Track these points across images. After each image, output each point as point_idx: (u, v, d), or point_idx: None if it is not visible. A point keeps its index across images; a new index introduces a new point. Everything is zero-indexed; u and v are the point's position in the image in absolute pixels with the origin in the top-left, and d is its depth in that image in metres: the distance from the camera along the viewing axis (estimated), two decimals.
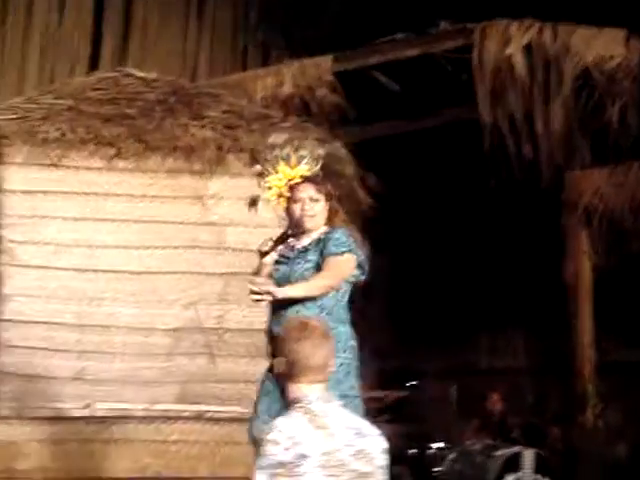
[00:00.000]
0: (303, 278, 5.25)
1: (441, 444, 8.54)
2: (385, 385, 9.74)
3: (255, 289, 5.09)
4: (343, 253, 5.20)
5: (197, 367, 8.16)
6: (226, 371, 8.24)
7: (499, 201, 9.59)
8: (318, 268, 5.28)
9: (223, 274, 8.19)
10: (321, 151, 5.51)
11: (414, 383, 9.69)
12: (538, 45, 8.26)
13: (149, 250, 8.16)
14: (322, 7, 10.84)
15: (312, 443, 3.50)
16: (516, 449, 7.82)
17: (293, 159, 5.39)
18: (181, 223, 8.20)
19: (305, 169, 5.38)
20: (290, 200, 5.28)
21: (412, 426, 8.81)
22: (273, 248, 5.36)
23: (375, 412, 8.41)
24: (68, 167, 8.11)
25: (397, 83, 9.27)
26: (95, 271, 8.04)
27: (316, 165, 5.44)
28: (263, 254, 5.34)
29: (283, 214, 5.47)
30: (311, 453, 3.46)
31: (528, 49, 8.28)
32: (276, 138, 5.64)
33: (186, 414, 7.96)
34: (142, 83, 8.74)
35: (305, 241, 5.33)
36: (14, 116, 8.04)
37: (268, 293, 5.09)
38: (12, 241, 8.05)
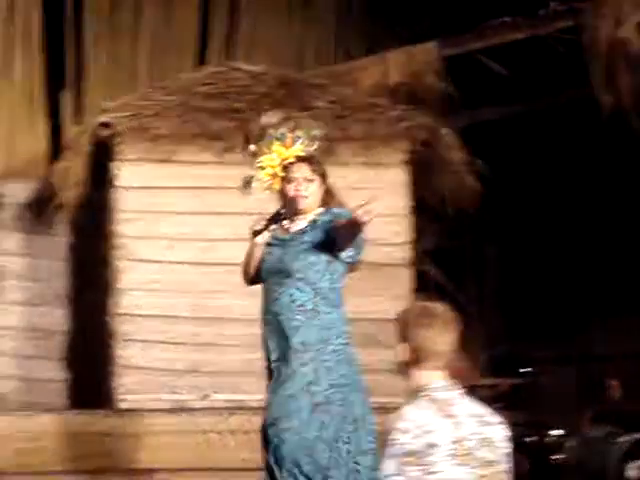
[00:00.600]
0: (297, 259, 5.18)
1: (559, 431, 8.42)
2: (499, 372, 9.67)
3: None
4: None
5: None
6: None
7: (614, 181, 9.46)
8: (313, 250, 5.19)
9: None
10: (317, 131, 5.55)
11: (529, 370, 9.59)
12: None
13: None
14: None
15: (441, 432, 3.45)
16: (638, 436, 7.65)
17: (288, 139, 5.32)
18: None
19: (300, 149, 5.30)
20: (284, 180, 5.21)
21: (528, 414, 8.70)
22: (266, 227, 5.28)
23: (490, 400, 8.38)
24: (180, 162, 8.21)
25: (505, 67, 9.16)
26: (209, 264, 8.15)
27: (312, 145, 5.35)
28: (255, 233, 5.28)
29: (277, 195, 5.36)
30: (441, 442, 3.42)
31: None
32: (270, 117, 5.54)
33: None
34: (250, 76, 8.81)
35: (301, 224, 5.24)
36: (127, 114, 8.17)
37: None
38: (127, 236, 8.23)
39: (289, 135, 5.32)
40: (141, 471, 7.34)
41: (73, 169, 8.47)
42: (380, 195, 7.84)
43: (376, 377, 8.08)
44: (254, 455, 7.29)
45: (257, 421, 7.40)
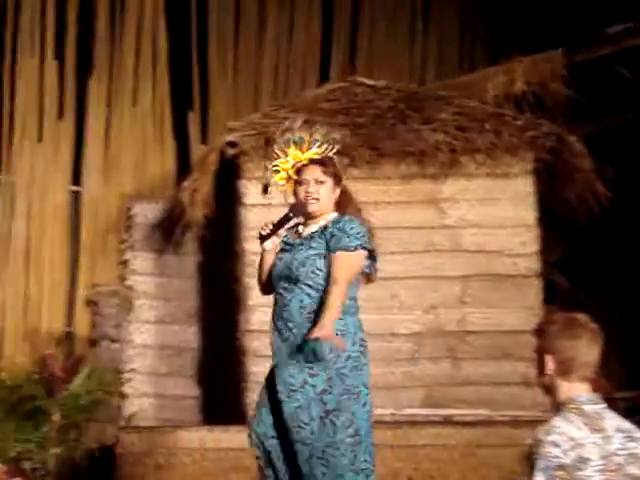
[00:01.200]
0: (303, 265, 5.07)
1: None
2: (636, 384, 9.42)
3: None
4: (355, 248, 5.01)
5: (440, 371, 8.25)
6: (470, 374, 8.26)
7: None
8: (321, 256, 5.09)
9: (461, 277, 8.29)
10: (336, 135, 5.41)
11: None
12: None
13: (386, 256, 8.20)
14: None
15: (592, 446, 3.42)
16: None
17: (306, 143, 5.21)
18: (416, 227, 8.33)
19: (316, 152, 5.17)
20: (296, 182, 5.13)
21: None
22: (274, 232, 5.19)
23: (627, 413, 8.13)
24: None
25: (632, 72, 9.04)
26: None
27: (330, 149, 5.21)
28: (263, 238, 5.20)
29: (291, 198, 5.30)
30: (592, 456, 3.39)
31: None
32: (292, 122, 5.41)
33: (433, 418, 7.99)
34: (372, 91, 8.86)
35: (312, 228, 5.15)
36: (252, 132, 8.25)
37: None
38: (255, 253, 8.28)
39: (307, 139, 5.24)
40: None
41: (201, 188, 8.56)
42: (507, 206, 8.47)
43: (507, 390, 8.33)
44: (387, 469, 7.44)
45: (390, 435, 7.54)
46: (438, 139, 8.25)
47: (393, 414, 8.01)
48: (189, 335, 9.31)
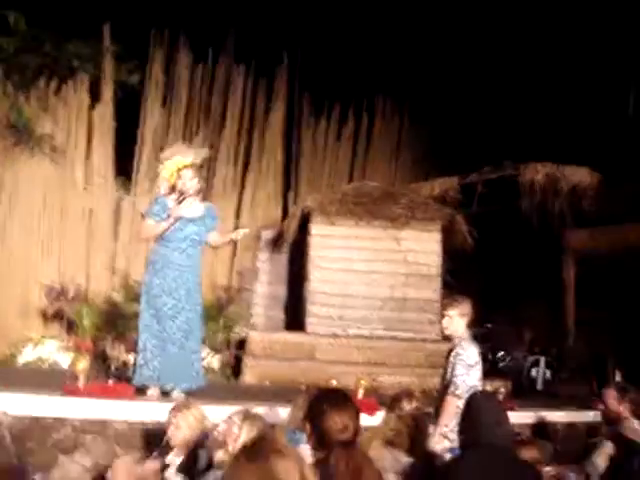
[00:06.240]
0: (203, 233, 5.28)
1: None
2: None
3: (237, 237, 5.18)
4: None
5: (394, 315, 9.20)
6: (406, 318, 9.11)
7: None
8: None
9: (404, 274, 9.50)
10: (204, 152, 5.78)
11: None
12: None
13: (373, 262, 9.48)
14: None
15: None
16: None
17: (188, 155, 5.42)
18: (387, 250, 9.48)
19: (187, 162, 5.33)
20: (177, 177, 5.30)
21: None
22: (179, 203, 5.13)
23: None
24: (338, 225, 9.41)
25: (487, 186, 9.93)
26: (349, 270, 9.33)
27: (199, 159, 5.45)
28: (180, 202, 5.11)
29: (167, 184, 5.46)
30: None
31: None
32: (179, 146, 5.77)
33: (386, 335, 8.97)
34: (372, 188, 9.98)
35: (197, 208, 5.22)
36: (317, 202, 9.50)
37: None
38: (314, 257, 9.28)
39: (184, 154, 5.40)
40: (319, 361, 8.31)
41: (291, 225, 9.85)
42: (428, 242, 9.25)
43: (422, 326, 9.06)
44: (375, 356, 8.42)
45: (368, 342, 8.57)
46: (400, 212, 9.53)
47: (371, 332, 9.18)
48: (281, 291, 10.39)
